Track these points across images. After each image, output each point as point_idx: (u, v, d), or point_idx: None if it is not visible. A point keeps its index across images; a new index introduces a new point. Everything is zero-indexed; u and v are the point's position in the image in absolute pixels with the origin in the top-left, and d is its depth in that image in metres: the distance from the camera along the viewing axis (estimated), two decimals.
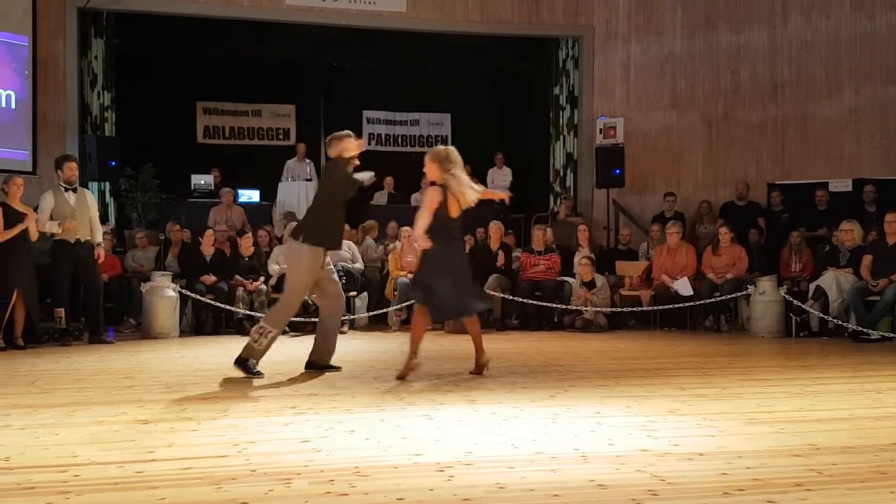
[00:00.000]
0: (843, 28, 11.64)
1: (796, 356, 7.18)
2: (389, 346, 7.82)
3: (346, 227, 10.24)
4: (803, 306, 8.51)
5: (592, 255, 9.82)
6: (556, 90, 13.23)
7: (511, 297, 9.35)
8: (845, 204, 10.45)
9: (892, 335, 7.95)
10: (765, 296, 8.74)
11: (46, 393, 5.06)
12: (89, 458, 3.38)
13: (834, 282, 8.46)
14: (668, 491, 2.88)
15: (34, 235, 7.67)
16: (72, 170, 7.99)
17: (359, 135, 15.66)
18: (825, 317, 8.37)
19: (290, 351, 7.41)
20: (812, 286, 8.66)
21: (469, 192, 5.58)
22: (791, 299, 8.54)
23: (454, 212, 5.58)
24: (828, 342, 8.18)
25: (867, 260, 8.41)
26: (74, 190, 8.00)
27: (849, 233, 8.81)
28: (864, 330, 7.94)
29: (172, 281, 8.78)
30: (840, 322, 8.28)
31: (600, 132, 12.27)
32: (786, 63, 11.99)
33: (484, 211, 11.93)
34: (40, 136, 11.01)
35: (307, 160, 12.51)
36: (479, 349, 5.80)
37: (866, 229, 9.08)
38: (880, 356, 6.95)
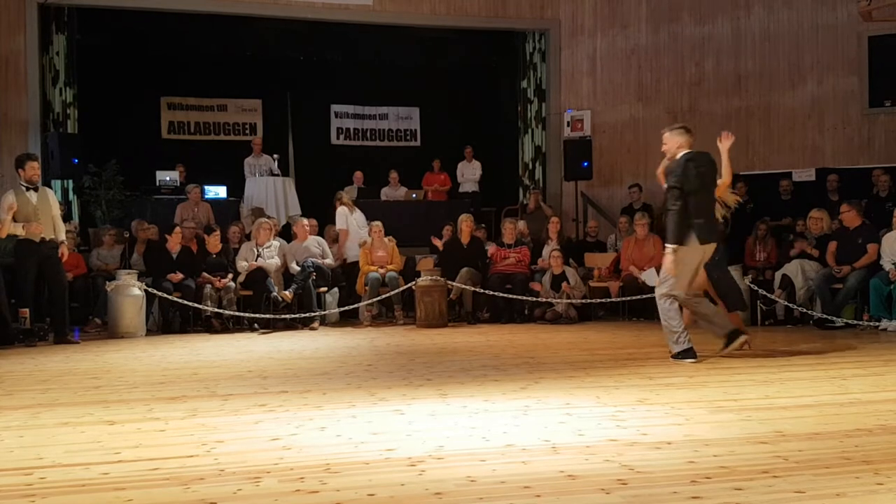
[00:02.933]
0: (805, 19, 11.81)
1: (762, 344, 7.25)
2: (360, 341, 7.80)
3: (314, 222, 10.30)
4: (769, 296, 8.62)
5: (559, 248, 9.87)
6: (524, 83, 13.27)
7: (482, 291, 9.36)
8: (809, 193, 10.60)
9: (855, 322, 8.09)
10: None
11: (10, 395, 4.97)
12: (54, 460, 3.33)
13: (799, 270, 8.59)
14: (636, 480, 2.90)
15: (2, 233, 7.56)
16: (33, 169, 7.85)
17: (326, 129, 15.52)
18: (791, 305, 8.49)
19: (261, 348, 7.37)
20: (778, 275, 8.79)
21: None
22: (756, 288, 8.65)
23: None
24: (793, 330, 8.31)
25: (832, 246, 8.55)
26: (36, 189, 7.87)
27: (818, 221, 8.96)
28: (829, 317, 8.08)
29: (138, 279, 8.67)
30: (805, 310, 8.40)
31: (568, 125, 12.34)
32: (749, 55, 12.14)
33: (455, 205, 12.01)
34: (1, 133, 10.84)
35: (274, 156, 12.37)
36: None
37: (830, 218, 9.22)
38: (845, 343, 7.07)
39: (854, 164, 11.14)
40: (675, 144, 6.13)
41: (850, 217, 8.47)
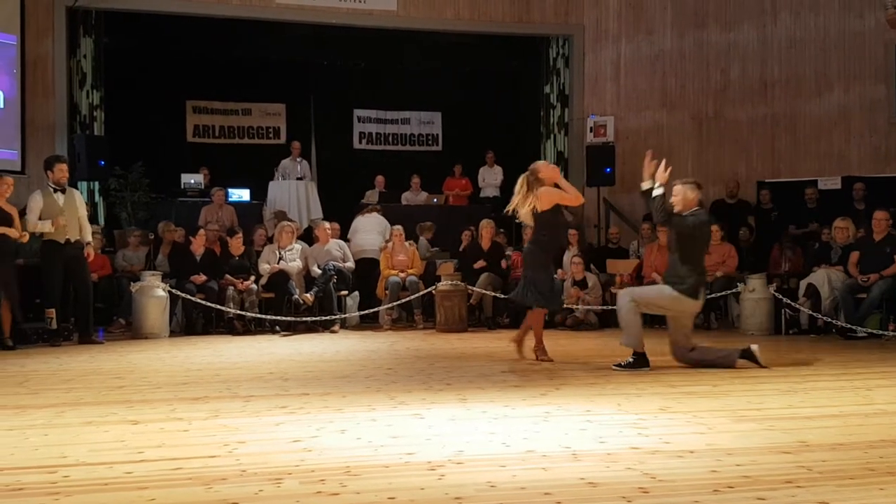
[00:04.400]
0: (831, 26, 11.69)
1: (786, 353, 7.20)
2: (380, 345, 7.81)
3: (336, 226, 10.35)
4: (795, 305, 8.54)
5: (580, 254, 9.83)
6: (547, 89, 13.25)
7: (502, 296, 9.34)
8: (835, 202, 10.49)
9: (881, 332, 7.99)
10: (755, 293, 8.77)
11: (35, 394, 5.03)
12: (79, 458, 3.36)
13: (825, 279, 8.50)
14: (658, 488, 2.88)
15: (25, 237, 7.65)
16: (62, 171, 7.95)
17: (349, 133, 15.59)
18: (815, 314, 8.40)
19: (282, 350, 7.41)
20: (803, 284, 8.69)
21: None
22: (781, 297, 8.57)
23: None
24: (817, 339, 8.22)
25: (854, 256, 8.45)
26: (63, 190, 7.96)
27: (843, 230, 8.85)
28: (853, 327, 7.98)
29: (162, 280, 8.75)
30: (830, 319, 8.31)
31: (591, 131, 12.30)
32: (775, 61, 12.03)
33: (476, 210, 12.01)
34: (29, 135, 10.95)
35: (300, 159, 12.48)
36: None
37: (855, 227, 9.12)
38: (869, 353, 6.98)
39: (881, 173, 11.01)
40: (687, 200, 6.20)
41: (885, 225, 8.35)
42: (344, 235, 10.55)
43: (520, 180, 6.47)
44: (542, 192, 6.35)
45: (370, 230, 10.60)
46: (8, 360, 6.67)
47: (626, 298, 6.11)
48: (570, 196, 6.58)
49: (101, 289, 9.18)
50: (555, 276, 6.86)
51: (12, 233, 7.54)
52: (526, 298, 6.50)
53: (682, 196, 6.16)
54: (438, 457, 3.33)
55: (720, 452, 3.39)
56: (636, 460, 3.26)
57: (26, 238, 7.74)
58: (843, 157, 11.58)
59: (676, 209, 6.17)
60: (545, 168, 6.56)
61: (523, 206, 6.41)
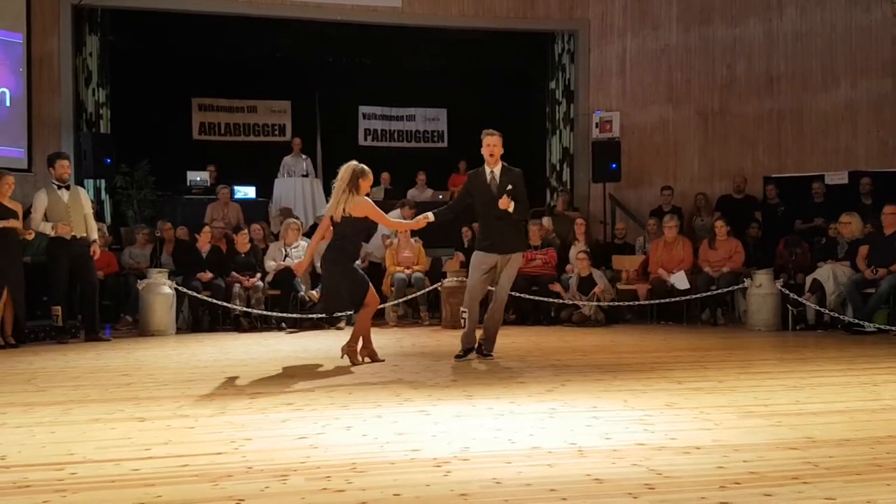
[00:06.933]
0: (838, 20, 11.63)
1: (793, 349, 7.19)
2: (386, 341, 7.81)
3: None
4: (800, 300, 8.52)
5: (588, 249, 9.82)
6: (552, 85, 13.22)
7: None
8: (841, 196, 10.45)
9: (888, 327, 7.96)
10: (761, 289, 8.75)
11: (43, 391, 5.05)
12: (85, 455, 3.37)
13: (831, 275, 8.48)
14: (664, 485, 2.88)
15: (30, 235, 7.66)
16: (63, 168, 7.96)
17: (354, 130, 15.51)
18: (822, 310, 8.38)
19: (288, 347, 7.42)
20: (809, 279, 8.67)
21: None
22: (787, 292, 8.55)
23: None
24: (824, 335, 8.20)
25: (863, 250, 8.42)
26: (67, 188, 7.98)
27: (847, 225, 8.82)
28: (860, 322, 7.96)
29: (168, 278, 8.76)
30: (836, 315, 8.29)
31: (596, 126, 12.28)
32: (781, 56, 11.98)
33: None
34: (35, 133, 10.97)
35: (303, 156, 12.50)
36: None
37: (863, 222, 9.08)
38: (876, 348, 6.96)
39: (888, 168, 10.95)
40: (500, 152, 6.15)
41: (894, 219, 8.32)
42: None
43: (344, 173, 6.04)
44: (361, 201, 6.05)
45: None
46: (15, 358, 6.70)
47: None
48: (385, 221, 6.59)
49: (108, 286, 9.20)
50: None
51: (15, 223, 7.52)
52: (344, 306, 6.38)
53: (500, 145, 6.25)
54: (444, 453, 3.33)
55: (726, 448, 3.38)
56: (642, 456, 3.26)
57: (32, 236, 7.75)
58: (850, 151, 11.53)
59: (492, 159, 6.35)
60: (368, 179, 6.17)
61: (339, 203, 5.99)
